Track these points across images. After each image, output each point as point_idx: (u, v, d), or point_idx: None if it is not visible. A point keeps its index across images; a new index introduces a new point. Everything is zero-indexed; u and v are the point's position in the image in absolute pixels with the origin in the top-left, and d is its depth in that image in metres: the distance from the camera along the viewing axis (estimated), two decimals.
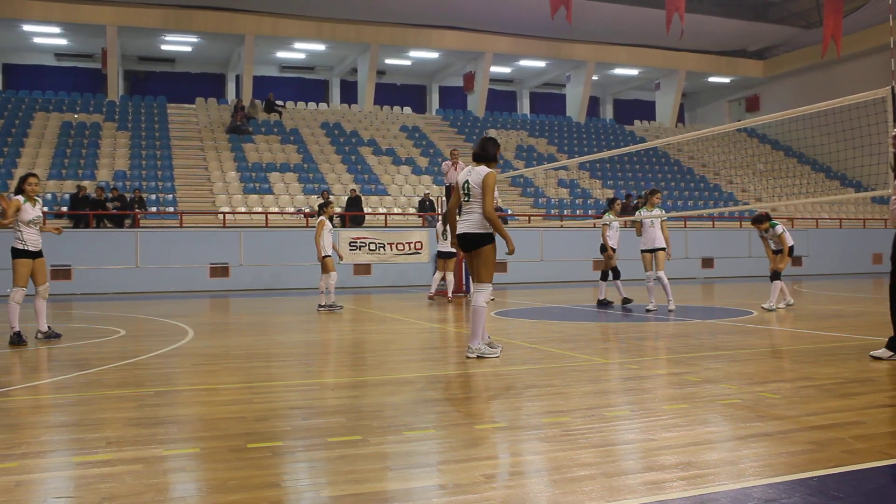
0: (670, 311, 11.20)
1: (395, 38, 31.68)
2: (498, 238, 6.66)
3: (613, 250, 13.01)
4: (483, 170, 6.62)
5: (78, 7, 27.74)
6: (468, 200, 6.66)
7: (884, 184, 7.72)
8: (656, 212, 11.51)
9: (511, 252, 6.41)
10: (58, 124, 26.07)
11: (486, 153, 6.72)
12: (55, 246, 18.78)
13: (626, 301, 12.69)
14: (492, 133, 31.75)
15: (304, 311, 12.85)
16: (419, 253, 21.40)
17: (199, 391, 5.40)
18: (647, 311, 11.30)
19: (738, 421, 4.19)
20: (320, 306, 12.75)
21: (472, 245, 6.68)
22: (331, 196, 22.95)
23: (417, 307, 13.36)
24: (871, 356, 6.33)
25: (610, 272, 13.04)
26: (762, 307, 11.53)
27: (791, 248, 11.68)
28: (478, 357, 6.59)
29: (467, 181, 6.67)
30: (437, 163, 27.00)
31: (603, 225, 13.20)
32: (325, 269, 12.69)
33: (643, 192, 12.96)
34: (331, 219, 13.37)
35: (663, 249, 11.48)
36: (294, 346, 8.33)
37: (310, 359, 7.31)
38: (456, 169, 15.00)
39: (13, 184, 21.85)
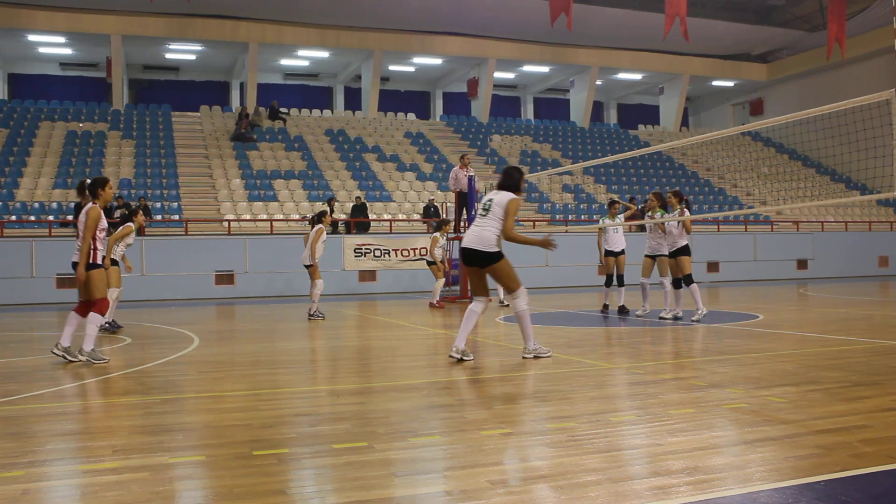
0: (637, 315, 11.38)
1: (398, 45, 31.75)
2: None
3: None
4: (509, 194, 6.87)
5: (82, 16, 27.85)
6: (484, 216, 6.86)
7: (889, 186, 7.71)
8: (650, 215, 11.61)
9: (551, 248, 6.69)
10: (63, 133, 26.17)
11: (509, 181, 6.97)
12: (61, 255, 18.90)
13: (615, 309, 12.20)
14: (494, 139, 31.78)
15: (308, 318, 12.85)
16: (424, 259, 21.37)
17: (205, 399, 5.41)
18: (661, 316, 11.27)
19: (744, 425, 4.18)
20: (312, 314, 12.72)
21: (480, 262, 6.79)
22: (336, 202, 22.96)
23: (422, 313, 13.35)
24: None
25: (610, 278, 12.45)
26: (692, 319, 10.36)
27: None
28: (534, 357, 6.86)
29: (491, 199, 6.90)
30: (442, 168, 26.94)
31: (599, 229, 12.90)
32: (314, 276, 12.68)
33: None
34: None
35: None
36: (299, 353, 8.34)
37: (315, 366, 7.31)
38: (466, 175, 14.88)
39: (18, 193, 21.96)
